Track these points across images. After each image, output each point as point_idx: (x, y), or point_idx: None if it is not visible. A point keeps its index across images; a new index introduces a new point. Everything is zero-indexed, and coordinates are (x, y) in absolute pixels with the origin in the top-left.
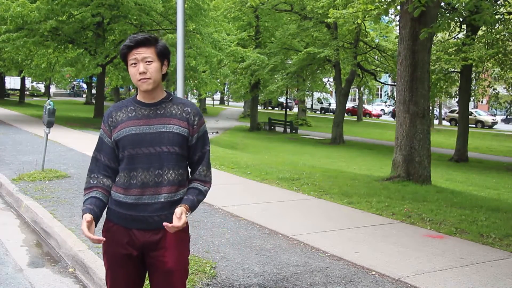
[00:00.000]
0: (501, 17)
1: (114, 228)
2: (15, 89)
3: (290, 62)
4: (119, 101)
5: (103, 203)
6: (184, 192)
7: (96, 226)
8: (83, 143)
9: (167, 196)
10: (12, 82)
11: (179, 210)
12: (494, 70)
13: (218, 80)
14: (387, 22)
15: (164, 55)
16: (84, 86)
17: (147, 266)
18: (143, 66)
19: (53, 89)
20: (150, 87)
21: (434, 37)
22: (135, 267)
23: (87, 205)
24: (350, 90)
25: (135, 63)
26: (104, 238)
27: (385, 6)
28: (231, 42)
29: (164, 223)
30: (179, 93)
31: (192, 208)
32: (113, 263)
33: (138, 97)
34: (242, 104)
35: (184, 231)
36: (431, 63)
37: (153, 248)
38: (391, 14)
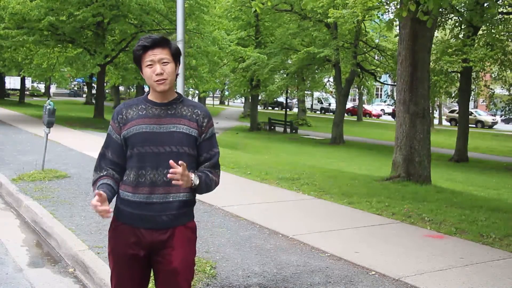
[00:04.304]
0: (501, 17)
1: (121, 227)
2: (15, 89)
3: (290, 62)
4: (120, 100)
5: (113, 190)
6: (194, 193)
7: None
8: (83, 143)
9: (176, 195)
10: (12, 82)
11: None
12: (491, 68)
13: (218, 81)
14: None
15: (178, 56)
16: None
17: (153, 264)
18: (160, 67)
19: (53, 89)
20: (167, 87)
21: (434, 37)
22: (140, 268)
23: (99, 186)
24: (350, 90)
25: (151, 64)
26: (111, 210)
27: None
28: (231, 42)
29: (171, 161)
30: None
31: (200, 178)
32: (118, 263)
33: (150, 97)
34: (242, 104)
35: (192, 231)
36: (431, 63)
37: (160, 247)
38: (391, 13)
